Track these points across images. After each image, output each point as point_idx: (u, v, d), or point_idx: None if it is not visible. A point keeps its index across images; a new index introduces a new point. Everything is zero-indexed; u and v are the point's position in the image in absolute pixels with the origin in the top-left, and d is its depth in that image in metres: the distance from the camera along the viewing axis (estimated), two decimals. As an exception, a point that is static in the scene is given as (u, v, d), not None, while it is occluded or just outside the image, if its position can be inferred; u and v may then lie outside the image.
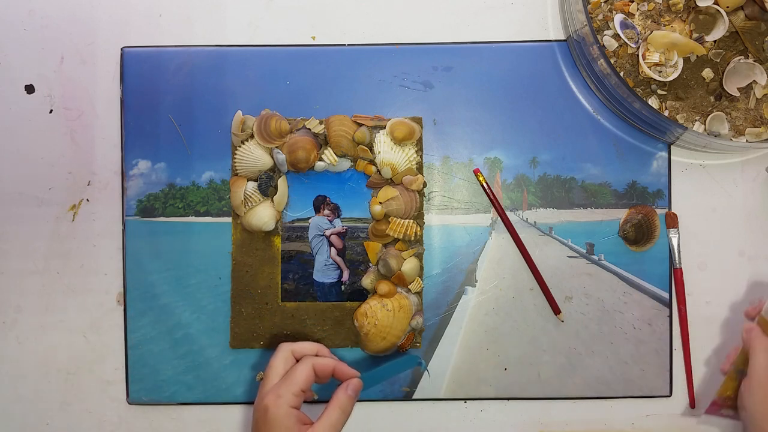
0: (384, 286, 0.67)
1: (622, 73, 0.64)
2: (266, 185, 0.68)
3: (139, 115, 0.70)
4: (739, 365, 0.60)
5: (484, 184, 0.68)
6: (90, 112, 0.70)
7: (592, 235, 0.70)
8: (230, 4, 0.71)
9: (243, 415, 0.70)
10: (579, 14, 0.63)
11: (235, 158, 0.68)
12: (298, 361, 0.59)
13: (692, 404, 0.69)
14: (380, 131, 0.68)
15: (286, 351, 0.59)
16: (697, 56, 0.64)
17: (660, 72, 0.63)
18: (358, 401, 0.69)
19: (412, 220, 0.68)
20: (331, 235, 0.70)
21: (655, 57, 0.63)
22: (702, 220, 0.70)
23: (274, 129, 0.67)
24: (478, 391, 0.69)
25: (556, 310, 0.68)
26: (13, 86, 0.70)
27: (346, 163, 0.69)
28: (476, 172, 0.69)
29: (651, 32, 0.63)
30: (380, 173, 0.68)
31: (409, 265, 0.68)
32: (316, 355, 0.60)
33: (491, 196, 0.69)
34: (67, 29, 0.71)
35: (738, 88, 0.64)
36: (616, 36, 0.64)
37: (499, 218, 0.70)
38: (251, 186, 0.68)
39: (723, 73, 0.64)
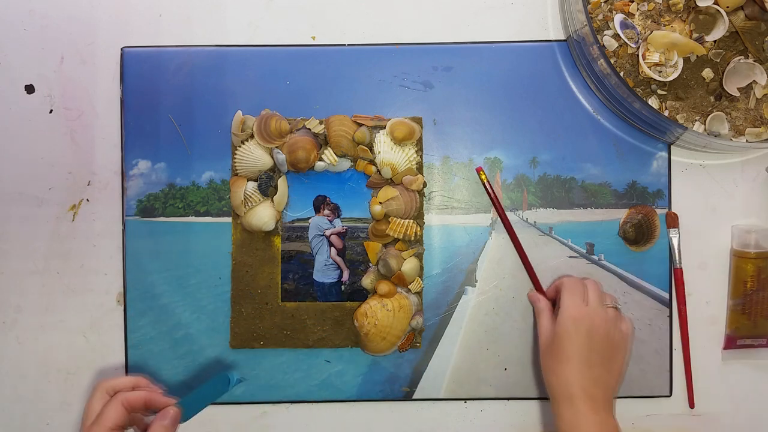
0: (384, 286, 0.67)
1: (622, 73, 0.64)
2: (266, 185, 0.68)
3: (139, 115, 0.70)
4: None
5: (486, 183, 0.68)
6: (90, 112, 0.70)
7: (592, 235, 0.70)
8: (230, 4, 0.71)
9: (243, 415, 0.70)
10: (579, 14, 0.63)
11: (235, 158, 0.68)
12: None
13: (692, 404, 0.69)
14: (380, 131, 0.68)
15: (101, 390, 0.58)
16: (697, 56, 0.64)
17: (660, 72, 0.63)
18: (358, 401, 0.69)
19: (412, 220, 0.68)
20: (331, 235, 0.70)
21: (655, 57, 0.63)
22: (702, 220, 0.70)
23: (274, 129, 0.67)
24: (478, 391, 0.69)
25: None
26: (13, 86, 0.70)
27: (346, 163, 0.69)
28: (479, 171, 0.69)
29: (651, 32, 0.63)
30: (380, 173, 0.68)
31: (409, 265, 0.68)
32: (134, 389, 0.59)
33: (492, 195, 0.69)
34: (67, 29, 0.71)
35: (738, 88, 0.64)
36: (616, 36, 0.64)
37: (499, 218, 0.70)
38: (251, 186, 0.68)
39: (723, 73, 0.64)
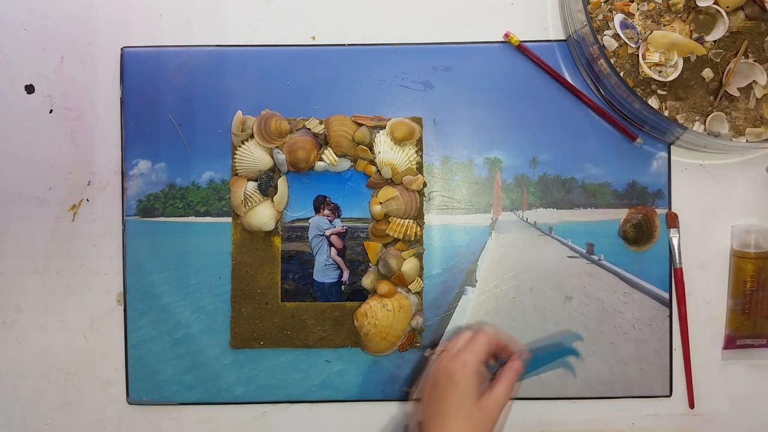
0: (384, 286, 0.67)
1: (622, 73, 0.64)
2: (266, 185, 0.68)
3: (139, 115, 0.70)
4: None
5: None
6: (90, 112, 0.70)
7: (592, 235, 0.70)
8: (230, 4, 0.71)
9: (243, 415, 0.70)
10: (579, 14, 0.63)
11: (235, 158, 0.68)
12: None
13: (691, 404, 0.69)
14: (380, 131, 0.68)
15: (468, 332, 0.62)
16: (697, 56, 0.64)
17: (660, 72, 0.63)
18: (358, 401, 0.69)
19: (412, 220, 0.68)
20: (331, 235, 0.70)
21: (655, 57, 0.63)
22: (702, 220, 0.70)
23: (274, 129, 0.67)
24: (478, 391, 0.69)
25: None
26: (13, 86, 0.70)
27: (346, 163, 0.69)
28: (507, 35, 0.68)
29: (651, 32, 0.63)
30: (380, 173, 0.68)
31: (409, 265, 0.68)
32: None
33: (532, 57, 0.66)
34: (67, 29, 0.71)
35: (738, 88, 0.64)
36: (616, 36, 0.64)
37: (499, 218, 0.70)
38: (251, 186, 0.68)
39: (723, 73, 0.64)
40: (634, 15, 0.64)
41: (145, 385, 0.69)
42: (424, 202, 0.70)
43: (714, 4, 0.63)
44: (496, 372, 0.61)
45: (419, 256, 0.69)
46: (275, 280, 0.69)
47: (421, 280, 0.69)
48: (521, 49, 0.69)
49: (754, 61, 0.64)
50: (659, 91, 0.64)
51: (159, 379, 0.69)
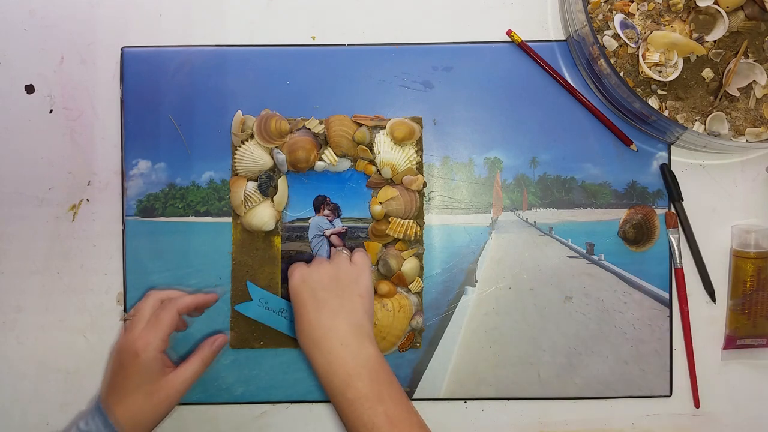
0: (384, 286, 0.67)
1: (622, 73, 0.64)
2: (266, 185, 0.68)
3: (139, 115, 0.70)
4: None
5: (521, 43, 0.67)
6: (90, 112, 0.70)
7: (592, 235, 0.70)
8: (230, 4, 0.71)
9: (243, 415, 0.70)
10: (579, 14, 0.63)
11: (235, 158, 0.68)
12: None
13: (697, 404, 0.69)
14: (380, 131, 0.68)
15: (154, 299, 0.64)
16: (697, 56, 0.64)
17: (660, 72, 0.63)
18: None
19: (412, 220, 0.68)
20: (331, 235, 0.70)
21: (655, 57, 0.63)
22: (702, 220, 0.70)
23: (274, 129, 0.67)
24: (478, 391, 0.69)
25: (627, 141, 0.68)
26: (13, 86, 0.70)
27: (346, 163, 0.69)
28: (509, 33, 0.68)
29: (651, 32, 0.63)
30: (380, 173, 0.68)
31: (409, 265, 0.68)
32: None
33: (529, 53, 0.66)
34: (67, 29, 0.71)
35: (738, 88, 0.64)
36: (616, 36, 0.64)
37: (499, 218, 0.70)
38: (251, 186, 0.68)
39: (723, 73, 0.64)
40: (634, 15, 0.64)
41: (145, 385, 0.69)
42: (424, 202, 0.70)
43: (714, 4, 0.63)
44: (200, 343, 0.66)
45: (419, 256, 0.69)
46: (275, 280, 0.69)
47: (421, 280, 0.69)
48: (523, 47, 0.69)
49: (754, 61, 0.64)
50: (659, 91, 0.64)
51: (159, 379, 0.69)
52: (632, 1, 0.64)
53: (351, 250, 0.68)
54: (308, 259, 0.67)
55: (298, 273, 0.62)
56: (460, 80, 0.70)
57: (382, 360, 0.58)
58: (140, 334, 0.61)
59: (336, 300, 0.60)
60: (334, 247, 0.69)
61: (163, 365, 0.62)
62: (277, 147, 0.68)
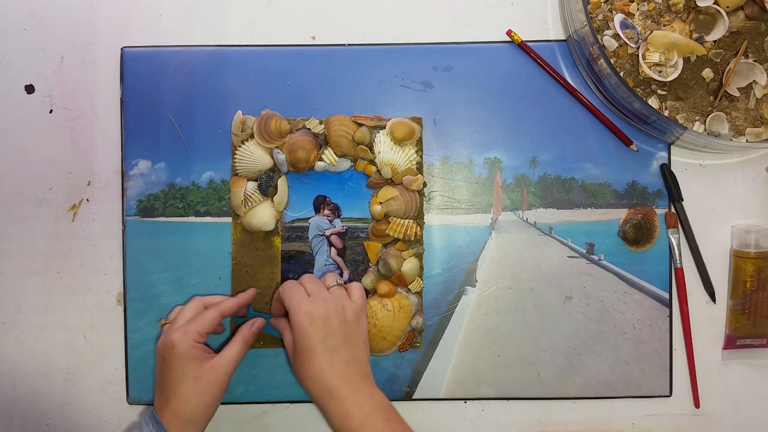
0: (384, 286, 0.67)
1: (622, 73, 0.64)
2: (266, 185, 0.68)
3: (139, 115, 0.70)
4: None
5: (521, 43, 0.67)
6: (90, 112, 0.70)
7: (592, 235, 0.70)
8: (230, 4, 0.71)
9: (243, 415, 0.70)
10: (579, 14, 0.63)
11: (235, 158, 0.68)
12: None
13: (697, 404, 0.69)
14: (380, 131, 0.68)
15: (197, 303, 0.65)
16: (697, 56, 0.64)
17: (660, 72, 0.63)
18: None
19: (412, 220, 0.68)
20: (331, 235, 0.70)
21: (655, 57, 0.63)
22: (702, 220, 0.70)
23: (274, 129, 0.67)
24: (478, 391, 0.69)
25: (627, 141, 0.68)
26: (13, 86, 0.70)
27: (346, 163, 0.69)
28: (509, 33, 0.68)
29: (651, 32, 0.63)
30: (380, 173, 0.68)
31: (409, 265, 0.68)
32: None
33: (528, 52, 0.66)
34: (67, 29, 0.71)
35: (738, 88, 0.64)
36: (616, 36, 0.64)
37: (499, 218, 0.70)
38: (251, 186, 0.68)
39: (723, 73, 0.64)
40: (634, 15, 0.64)
41: (145, 385, 0.69)
42: (424, 202, 0.70)
43: (714, 4, 0.63)
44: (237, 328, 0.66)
45: (419, 256, 0.69)
46: (275, 280, 0.69)
47: (421, 280, 0.69)
48: (523, 47, 0.69)
49: (754, 61, 0.64)
50: (659, 91, 0.64)
51: (159, 379, 0.69)
52: (632, 1, 0.64)
53: (341, 275, 0.69)
54: (301, 272, 0.68)
55: (305, 310, 0.60)
56: (460, 80, 0.70)
57: (389, 401, 0.61)
58: (178, 328, 0.61)
59: (346, 349, 0.61)
60: (334, 247, 0.69)
61: (204, 352, 0.61)
62: (277, 147, 0.68)
